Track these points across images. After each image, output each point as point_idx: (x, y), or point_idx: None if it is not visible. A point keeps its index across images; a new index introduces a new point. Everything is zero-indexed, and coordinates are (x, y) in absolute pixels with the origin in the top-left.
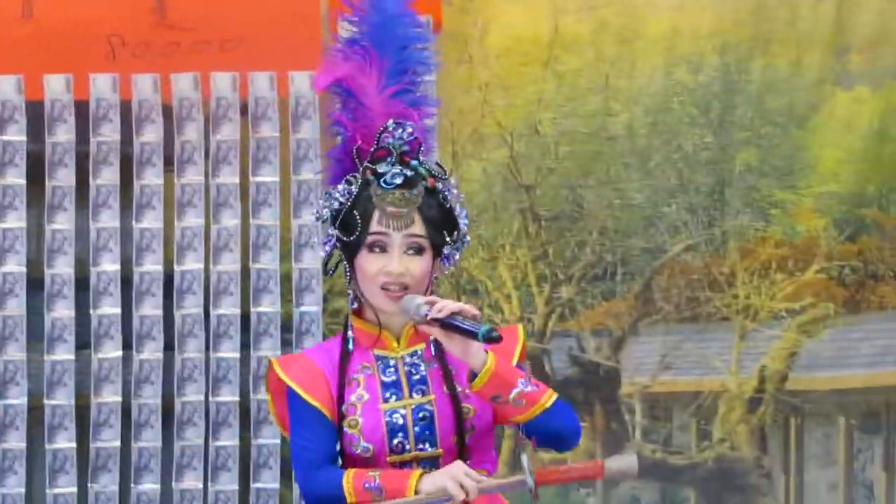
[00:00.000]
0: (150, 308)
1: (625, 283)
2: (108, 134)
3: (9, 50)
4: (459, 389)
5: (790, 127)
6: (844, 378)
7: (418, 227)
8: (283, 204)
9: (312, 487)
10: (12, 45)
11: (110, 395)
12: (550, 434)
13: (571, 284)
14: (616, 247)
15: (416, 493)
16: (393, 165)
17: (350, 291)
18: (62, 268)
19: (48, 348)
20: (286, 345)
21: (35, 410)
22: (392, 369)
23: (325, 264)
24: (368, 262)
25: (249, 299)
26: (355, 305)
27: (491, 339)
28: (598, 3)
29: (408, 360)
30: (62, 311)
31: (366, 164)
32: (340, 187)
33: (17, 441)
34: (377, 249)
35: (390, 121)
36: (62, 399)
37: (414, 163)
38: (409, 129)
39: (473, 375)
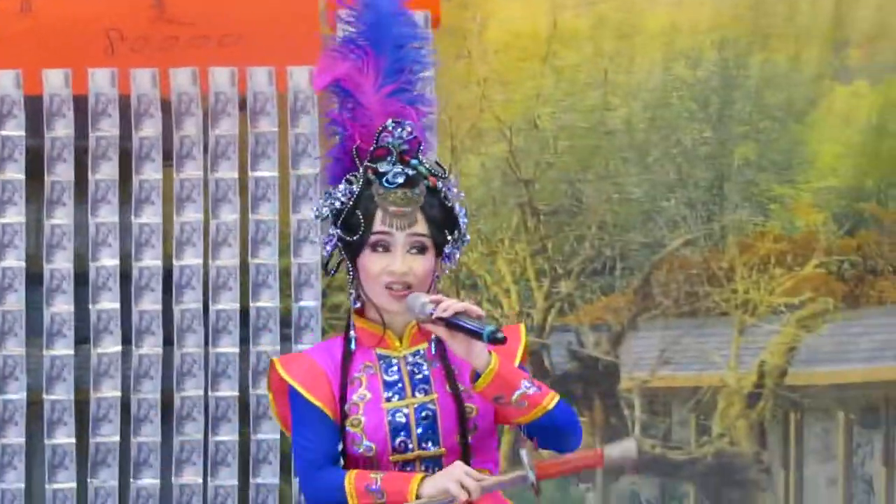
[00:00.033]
0: (150, 303)
1: (624, 277)
2: (106, 129)
3: (7, 44)
4: (462, 389)
5: (789, 122)
6: (844, 373)
7: (421, 227)
8: (282, 199)
9: (314, 488)
10: (11, 40)
11: (110, 390)
12: (552, 436)
13: (570, 279)
14: (615, 241)
15: (418, 497)
16: (394, 165)
17: (352, 291)
18: (61, 263)
19: (47, 343)
20: (285, 340)
21: (34, 405)
22: (394, 368)
23: (326, 264)
24: (372, 262)
25: (248, 294)
26: (358, 305)
27: (495, 339)
28: None
29: (410, 359)
30: (61, 306)
31: (366, 163)
32: (341, 186)
33: (16, 436)
34: (380, 249)
35: (389, 120)
36: (61, 394)
37: (414, 162)
38: (409, 129)
39: (476, 376)
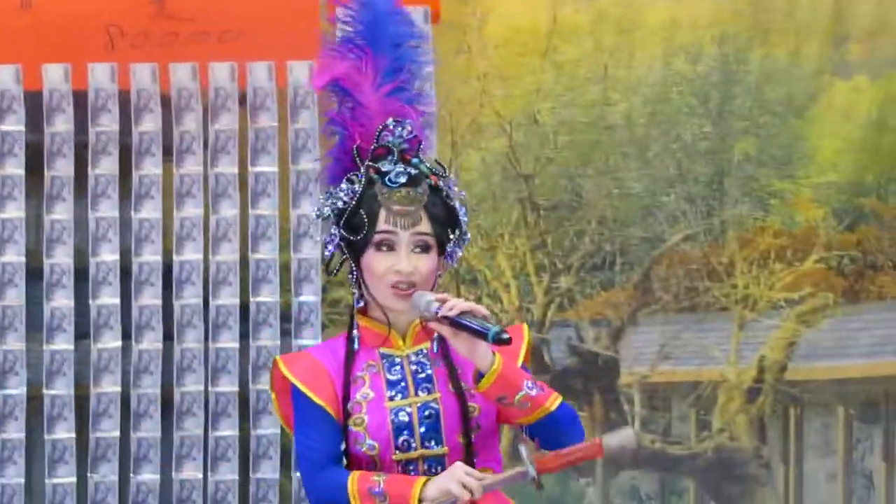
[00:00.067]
0: (150, 298)
1: (624, 272)
2: (106, 124)
3: (7, 40)
4: (465, 388)
5: (789, 117)
6: (843, 368)
7: (425, 226)
8: (282, 194)
9: (317, 488)
10: (11, 35)
11: (109, 385)
12: (553, 436)
13: (570, 274)
14: (615, 236)
15: (421, 500)
16: (395, 164)
17: (355, 290)
18: (61, 258)
19: (47, 338)
20: (285, 335)
21: (34, 400)
22: (398, 367)
23: (328, 264)
24: (376, 261)
25: (248, 289)
26: (361, 304)
27: (500, 340)
28: None
29: (413, 358)
30: (61, 301)
31: (368, 162)
32: (343, 186)
33: (16, 431)
34: (384, 248)
35: (390, 119)
36: (61, 389)
37: (415, 161)
38: (409, 128)
39: (480, 376)
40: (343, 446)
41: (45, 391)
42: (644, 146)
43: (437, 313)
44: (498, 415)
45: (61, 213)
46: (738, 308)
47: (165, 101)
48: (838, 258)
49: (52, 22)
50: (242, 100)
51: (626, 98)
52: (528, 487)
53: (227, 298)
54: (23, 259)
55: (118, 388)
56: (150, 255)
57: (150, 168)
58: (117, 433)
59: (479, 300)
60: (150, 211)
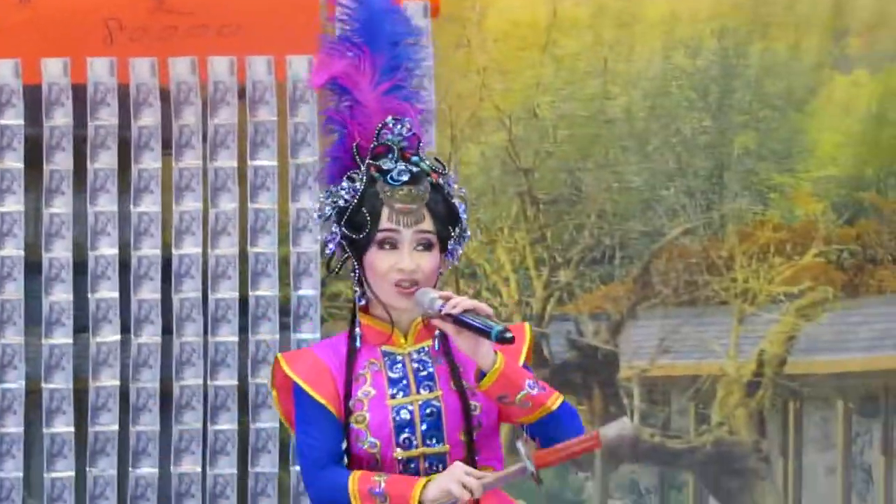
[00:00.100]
0: (149, 292)
1: (623, 266)
2: (105, 118)
3: (6, 34)
4: (466, 386)
5: (789, 111)
6: (843, 362)
7: (427, 223)
8: (281, 188)
9: (317, 487)
10: (10, 29)
11: (108, 379)
12: (554, 436)
13: (570, 268)
14: (614, 230)
15: (421, 502)
16: (396, 162)
17: (356, 289)
18: (60, 252)
19: (46, 332)
20: (284, 328)
21: (33, 394)
22: (399, 365)
23: (329, 262)
24: (379, 259)
25: (248, 283)
26: (363, 302)
27: (503, 339)
28: None
29: (415, 356)
30: (60, 295)
31: (368, 160)
32: (344, 184)
33: (14, 425)
34: (387, 246)
35: (389, 117)
36: (60, 383)
37: (415, 158)
38: (408, 125)
39: (482, 374)
40: (344, 445)
41: (43, 385)
42: (643, 140)
43: (440, 311)
44: (499, 413)
45: (60, 206)
46: (738, 302)
47: (164, 95)
48: (838, 252)
49: (51, 16)
50: (242, 94)
51: (626, 92)
52: (528, 482)
53: (226, 292)
54: (21, 253)
55: (117, 382)
56: (149, 249)
57: (149, 162)
58: (116, 427)
59: (478, 294)
60: (149, 205)
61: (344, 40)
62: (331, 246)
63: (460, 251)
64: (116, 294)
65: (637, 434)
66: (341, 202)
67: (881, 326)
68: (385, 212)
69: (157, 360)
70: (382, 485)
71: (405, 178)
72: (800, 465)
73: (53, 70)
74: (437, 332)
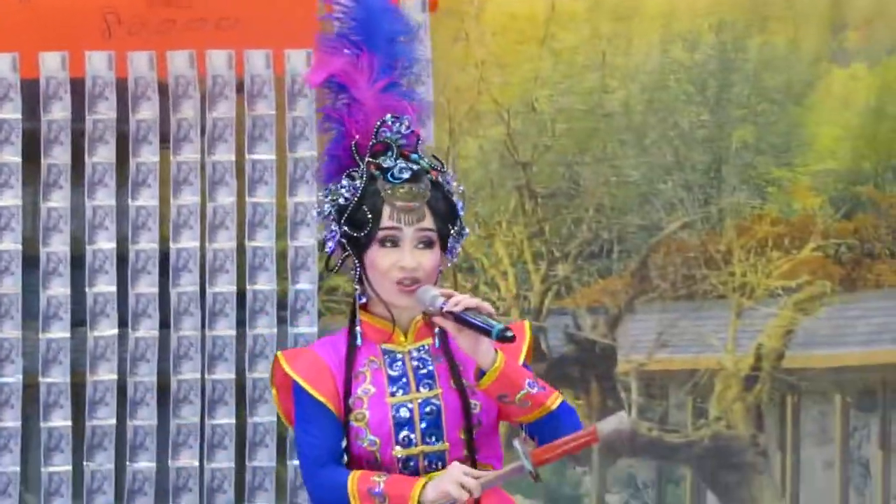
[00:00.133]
0: (146, 286)
1: (621, 260)
2: (103, 111)
3: (4, 28)
4: (466, 385)
5: (787, 104)
6: (841, 356)
7: (428, 221)
8: (279, 182)
9: (317, 485)
10: (8, 23)
11: (106, 373)
12: (553, 436)
13: (568, 262)
14: (612, 224)
15: (420, 503)
16: (396, 160)
17: (357, 286)
18: (58, 245)
19: (43, 326)
20: (282, 322)
21: (30, 388)
22: (399, 363)
23: (328, 261)
24: (381, 258)
25: (245, 277)
26: (363, 300)
27: (504, 338)
28: None
29: (415, 354)
30: (58, 289)
31: (368, 158)
32: (344, 182)
33: (12, 419)
34: (389, 244)
35: (388, 115)
36: (57, 377)
37: (415, 156)
38: (406, 123)
39: (481, 373)
40: (344, 444)
41: (41, 379)
42: (642, 134)
43: (441, 308)
44: (498, 412)
45: (58, 200)
46: (736, 296)
47: (163, 89)
48: (836, 246)
49: (49, 10)
50: (240, 87)
51: (624, 86)
52: (526, 479)
53: (224, 286)
54: (19, 247)
55: (114, 376)
56: (147, 243)
57: (147, 156)
58: (113, 421)
59: (476, 288)
60: (146, 199)
61: (341, 38)
62: (330, 244)
63: (458, 249)
64: (114, 288)
65: (634, 428)
66: (341, 200)
67: (879, 320)
68: (386, 210)
69: (155, 354)
70: (381, 485)
71: (406, 175)
72: (797, 460)
73: (51, 64)
74: (436, 329)
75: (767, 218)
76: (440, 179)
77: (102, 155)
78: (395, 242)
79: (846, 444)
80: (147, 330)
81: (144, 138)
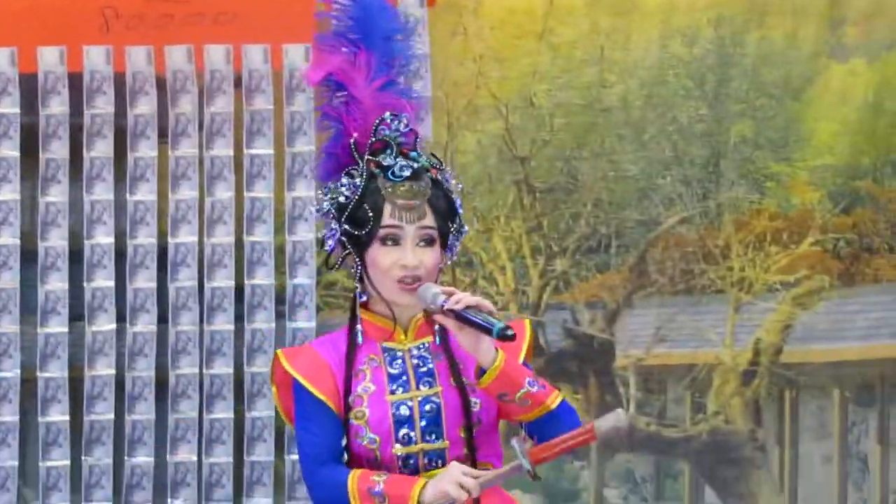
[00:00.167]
0: (144, 281)
1: (619, 255)
2: (101, 106)
3: (3, 22)
4: (466, 383)
5: (785, 99)
6: (839, 351)
7: (429, 219)
8: (277, 176)
9: (316, 484)
10: (6, 18)
11: (104, 368)
12: (553, 435)
13: (566, 256)
14: (610, 219)
15: (420, 503)
16: (396, 158)
17: (357, 285)
18: (56, 240)
19: (41, 321)
20: (280, 317)
21: (28, 383)
22: (399, 361)
23: (328, 259)
24: (382, 256)
25: (243, 272)
26: (364, 298)
27: (505, 336)
28: None
29: (415, 352)
30: (56, 284)
31: (368, 156)
32: (344, 180)
33: (10, 414)
34: (390, 242)
35: (387, 113)
36: (55, 372)
37: (414, 154)
38: (405, 121)
39: (482, 371)
40: (344, 442)
41: (39, 374)
42: (640, 129)
43: (442, 306)
44: (498, 411)
45: (56, 195)
46: (734, 291)
47: (161, 84)
48: (834, 241)
49: (47, 4)
50: (238, 82)
51: (623, 80)
52: (525, 477)
53: (222, 281)
54: (17, 242)
55: (112, 371)
56: (145, 238)
57: (145, 150)
58: (111, 416)
59: (474, 283)
60: (145, 193)
61: (339, 37)
62: (330, 242)
63: (458, 246)
64: (112, 283)
65: (632, 425)
66: (341, 198)
67: (877, 315)
68: (387, 208)
69: (153, 349)
70: (381, 485)
71: (407, 173)
72: (796, 454)
73: (49, 58)
74: (437, 327)
75: (766, 213)
76: (439, 177)
77: (101, 149)
78: (396, 241)
79: (844, 439)
80: (145, 324)
81: (142, 133)
